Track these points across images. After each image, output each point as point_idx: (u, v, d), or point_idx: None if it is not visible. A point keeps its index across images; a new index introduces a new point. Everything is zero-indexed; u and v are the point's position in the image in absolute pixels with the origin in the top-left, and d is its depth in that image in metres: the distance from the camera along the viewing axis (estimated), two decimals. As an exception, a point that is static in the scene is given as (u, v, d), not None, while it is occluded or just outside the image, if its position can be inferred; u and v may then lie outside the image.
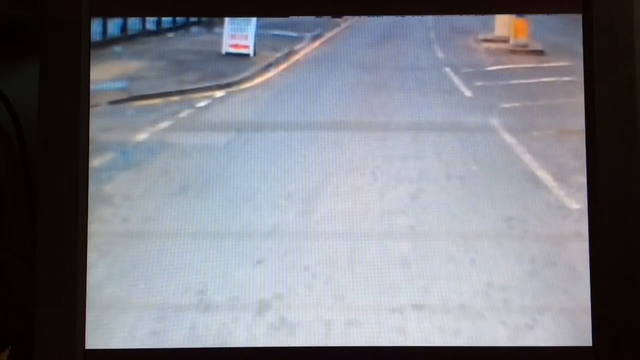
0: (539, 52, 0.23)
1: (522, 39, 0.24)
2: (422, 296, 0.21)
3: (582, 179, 0.22)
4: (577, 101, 0.22)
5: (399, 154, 0.19)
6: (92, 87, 0.22)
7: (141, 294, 0.19)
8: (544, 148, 0.20)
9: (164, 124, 0.18)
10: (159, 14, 0.35)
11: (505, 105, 0.19)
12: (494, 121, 0.20)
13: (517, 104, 0.20)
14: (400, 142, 0.19)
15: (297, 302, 0.21)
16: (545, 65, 0.22)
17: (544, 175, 0.19)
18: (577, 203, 0.19)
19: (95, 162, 0.20)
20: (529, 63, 0.22)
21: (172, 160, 0.19)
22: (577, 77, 0.23)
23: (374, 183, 0.19)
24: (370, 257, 0.20)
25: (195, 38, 0.23)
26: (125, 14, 0.35)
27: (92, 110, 0.21)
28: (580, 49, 0.25)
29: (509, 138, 0.19)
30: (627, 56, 0.33)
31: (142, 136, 0.19)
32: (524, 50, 0.22)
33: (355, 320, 0.20)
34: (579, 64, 0.24)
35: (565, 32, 0.23)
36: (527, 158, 0.19)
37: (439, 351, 0.33)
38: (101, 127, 0.20)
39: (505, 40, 0.22)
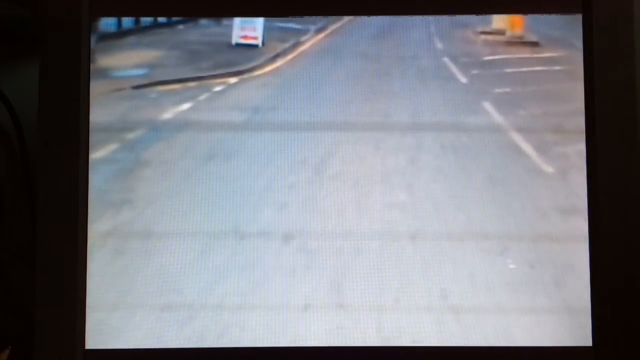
0: (534, 44, 0.24)
1: (518, 31, 0.25)
2: (418, 229, 0.24)
3: (560, 149, 0.24)
4: (565, 87, 0.24)
5: (399, 130, 0.21)
6: (115, 73, 0.24)
7: (187, 222, 0.23)
8: (524, 118, 0.22)
9: (186, 105, 0.21)
10: (159, 14, 0.35)
11: (494, 88, 0.22)
12: (486, 104, 0.22)
13: (507, 88, 0.22)
14: (400, 122, 0.21)
15: (315, 234, 0.23)
16: (538, 55, 0.24)
17: (522, 141, 0.22)
18: (552, 168, 0.22)
19: (130, 135, 0.22)
20: (524, 54, 0.23)
21: (198, 134, 0.21)
22: (568, 66, 0.25)
23: (376, 152, 0.21)
24: (372, 201, 0.23)
25: (205, 30, 0.25)
26: (125, 13, 0.35)
27: (118, 94, 0.23)
28: (574, 41, 0.26)
29: (498, 117, 0.21)
30: (627, 56, 0.33)
31: (167, 115, 0.21)
32: (519, 42, 0.24)
33: (361, 248, 0.24)
34: (570, 54, 0.25)
35: (559, 25, 0.25)
36: (510, 130, 0.22)
37: (439, 351, 0.33)
38: (129, 107, 0.22)
39: (502, 32, 0.24)
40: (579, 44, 0.27)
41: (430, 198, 0.23)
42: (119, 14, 0.35)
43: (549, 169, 0.22)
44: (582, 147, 0.25)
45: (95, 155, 0.22)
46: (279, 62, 0.21)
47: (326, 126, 0.21)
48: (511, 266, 0.33)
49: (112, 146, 0.21)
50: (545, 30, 0.24)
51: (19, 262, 0.40)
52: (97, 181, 0.22)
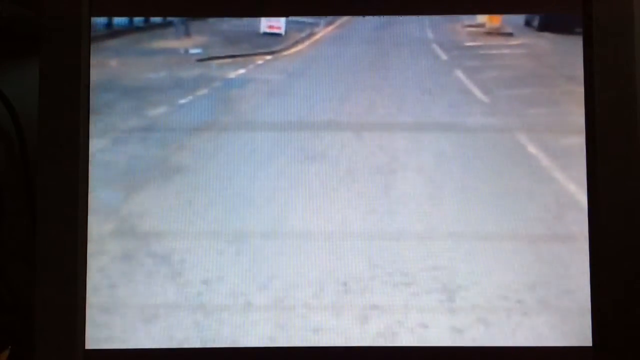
0: (509, 34, 0.30)
1: (496, 24, 0.31)
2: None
3: (504, 92, 0.29)
4: (521, 63, 0.29)
5: (393, 89, 0.29)
6: (179, 51, 0.29)
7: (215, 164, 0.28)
8: (483, 81, 0.28)
9: (242, 71, 0.28)
10: (159, 14, 0.35)
11: (467, 63, 0.29)
12: (459, 72, 0.29)
13: (477, 63, 0.29)
14: (392, 83, 0.29)
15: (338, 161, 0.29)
16: (508, 42, 0.30)
17: (476, 90, 0.28)
18: (487, 99, 0.28)
19: (202, 91, 0.28)
20: (498, 41, 0.29)
21: (256, 85, 0.28)
22: (530, 50, 0.30)
23: (375, 112, 0.28)
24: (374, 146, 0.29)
25: (234, 21, 0.30)
26: (125, 13, 0.35)
27: (190, 64, 0.29)
28: (544, 33, 0.31)
29: (462, 77, 0.28)
30: (627, 56, 0.33)
31: (231, 75, 0.28)
32: (496, 32, 0.30)
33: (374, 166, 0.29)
34: (536, 42, 0.31)
35: (532, 18, 0.30)
36: (470, 85, 0.28)
37: (439, 351, 0.33)
38: (202, 71, 0.28)
39: (482, 25, 0.30)
40: (549, 35, 0.31)
41: (400, 138, 0.29)
42: (118, 13, 0.35)
43: (485, 99, 0.28)
44: (519, 91, 0.30)
45: (198, 92, 0.28)
46: (300, 47, 0.28)
47: (339, 83, 0.29)
48: (511, 265, 0.33)
49: (201, 90, 0.28)
50: (519, 22, 0.30)
51: (19, 262, 0.40)
52: (204, 107, 0.28)
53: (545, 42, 0.30)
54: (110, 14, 0.35)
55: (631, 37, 0.33)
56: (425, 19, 0.31)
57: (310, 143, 0.28)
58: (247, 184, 0.27)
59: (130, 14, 0.35)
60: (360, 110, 0.27)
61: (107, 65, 0.29)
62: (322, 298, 0.31)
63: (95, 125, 0.27)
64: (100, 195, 0.27)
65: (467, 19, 0.31)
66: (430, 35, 0.29)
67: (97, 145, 0.27)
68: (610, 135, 0.33)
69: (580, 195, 0.29)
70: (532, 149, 0.27)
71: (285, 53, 0.28)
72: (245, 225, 0.27)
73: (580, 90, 0.29)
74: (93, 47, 0.29)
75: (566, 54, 0.30)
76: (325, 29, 0.29)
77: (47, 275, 0.33)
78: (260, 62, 0.28)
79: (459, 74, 0.28)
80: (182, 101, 0.27)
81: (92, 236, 0.30)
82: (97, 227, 0.28)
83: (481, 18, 0.31)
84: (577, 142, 0.28)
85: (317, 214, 0.28)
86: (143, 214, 0.27)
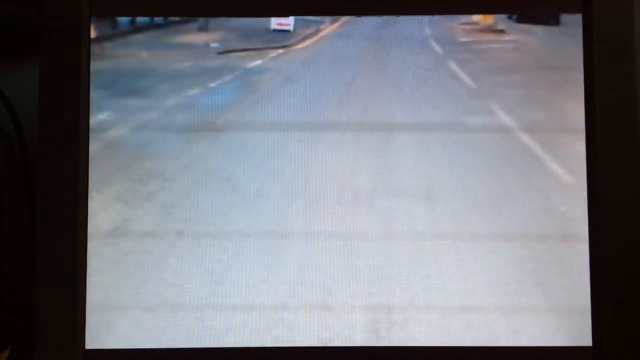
0: (501, 31, 0.32)
1: (489, 21, 0.33)
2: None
3: (489, 79, 0.32)
4: (510, 56, 0.32)
5: (393, 76, 0.32)
6: (198, 44, 0.33)
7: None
8: (472, 70, 0.32)
9: (257, 62, 0.31)
10: (159, 14, 0.35)
11: (460, 56, 0.32)
12: (451, 62, 0.31)
13: (468, 55, 0.32)
14: (394, 72, 0.32)
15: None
16: (500, 38, 0.32)
17: (465, 78, 0.31)
18: (473, 82, 0.31)
19: (227, 77, 0.32)
20: (489, 37, 0.32)
21: (273, 72, 0.31)
22: (519, 45, 0.33)
23: (375, 94, 0.31)
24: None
25: (242, 20, 0.33)
26: (125, 13, 0.35)
27: (207, 57, 0.32)
28: (535, 30, 0.33)
29: (454, 67, 0.31)
30: (627, 56, 0.33)
31: (249, 65, 0.31)
32: (489, 30, 0.32)
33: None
34: (527, 39, 0.33)
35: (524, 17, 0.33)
36: (461, 73, 0.31)
37: (439, 351, 0.33)
38: (223, 62, 0.32)
39: (477, 23, 0.33)
40: (539, 32, 0.33)
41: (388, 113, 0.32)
42: (118, 13, 0.35)
43: (472, 84, 0.31)
44: (502, 78, 0.32)
45: (224, 78, 0.31)
46: (307, 42, 0.31)
47: (345, 70, 0.32)
48: (510, 265, 0.33)
49: (226, 77, 0.31)
50: (511, 20, 0.33)
51: (19, 262, 0.40)
52: (231, 88, 0.31)
53: (534, 38, 0.32)
54: (110, 14, 0.35)
55: (631, 37, 0.33)
56: (425, 18, 0.33)
57: (323, 116, 0.31)
58: (278, 139, 0.31)
59: (131, 14, 0.35)
60: (364, 94, 0.30)
61: (138, 57, 0.32)
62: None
63: (145, 102, 0.31)
64: (172, 138, 0.31)
65: (463, 18, 0.33)
66: (427, 32, 0.32)
67: (150, 116, 0.31)
68: (610, 135, 0.33)
69: (549, 162, 0.32)
70: (503, 117, 0.31)
71: (295, 47, 0.31)
72: (297, 183, 0.32)
73: (555, 75, 0.32)
74: (122, 40, 0.32)
75: (550, 48, 0.32)
76: (331, 26, 0.32)
77: (47, 275, 0.33)
78: (273, 54, 0.31)
79: (452, 64, 0.31)
80: (212, 85, 0.30)
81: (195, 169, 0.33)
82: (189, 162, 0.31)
83: (476, 16, 0.34)
84: (544, 115, 0.31)
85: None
86: (205, 155, 0.31)
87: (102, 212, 0.32)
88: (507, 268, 0.33)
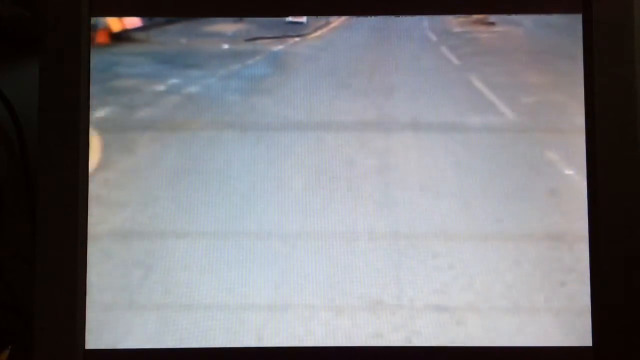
0: (492, 23, 0.35)
1: (481, 15, 0.36)
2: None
3: (472, 59, 0.35)
4: (497, 45, 0.35)
5: (393, 58, 0.35)
6: (227, 33, 0.36)
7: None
8: (460, 53, 0.35)
9: (280, 47, 0.35)
10: (159, 13, 0.35)
11: (451, 43, 0.35)
12: (443, 47, 0.35)
13: (457, 42, 0.35)
14: (394, 55, 0.35)
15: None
16: (490, 29, 0.35)
17: (453, 58, 0.35)
18: (458, 61, 0.35)
19: (259, 57, 0.35)
20: (480, 28, 0.35)
21: (293, 55, 0.35)
22: (505, 35, 0.35)
23: (379, 71, 0.35)
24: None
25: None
26: (125, 13, 0.35)
27: (237, 43, 0.35)
28: (524, 22, 0.35)
29: (445, 50, 0.35)
30: (627, 56, 0.33)
31: (274, 49, 0.35)
32: (481, 22, 0.35)
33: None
34: (516, 30, 0.35)
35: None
36: (449, 55, 0.35)
37: (439, 351, 0.33)
38: (250, 47, 0.35)
39: (470, 15, 0.36)
40: (528, 24, 0.35)
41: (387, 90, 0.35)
42: (118, 13, 0.35)
43: (456, 62, 0.35)
44: (483, 58, 0.35)
45: (256, 58, 0.35)
46: (319, 32, 0.35)
47: (354, 52, 0.35)
48: (510, 265, 0.33)
49: (258, 57, 0.35)
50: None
51: (19, 262, 0.40)
52: (264, 64, 0.35)
53: (521, 29, 0.35)
54: (111, 14, 0.35)
55: (631, 37, 0.33)
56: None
57: (338, 82, 0.35)
58: (305, 103, 0.35)
59: (131, 14, 0.35)
60: (370, 68, 0.34)
61: (178, 43, 0.35)
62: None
63: (198, 72, 0.34)
64: (228, 98, 0.35)
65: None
66: (425, 23, 0.35)
67: (207, 81, 0.35)
68: (610, 135, 0.33)
69: (502, 106, 0.35)
70: (478, 84, 0.34)
71: (309, 37, 0.35)
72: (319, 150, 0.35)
73: (526, 57, 0.35)
74: (159, 30, 0.35)
75: (532, 38, 0.35)
76: (339, 19, 0.35)
77: (47, 275, 0.33)
78: (291, 42, 0.35)
79: (444, 49, 0.35)
80: (249, 62, 0.34)
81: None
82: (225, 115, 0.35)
83: None
84: (511, 81, 0.35)
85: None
86: (258, 105, 0.35)
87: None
88: (506, 267, 0.33)
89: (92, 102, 0.34)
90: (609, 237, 0.33)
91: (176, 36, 0.35)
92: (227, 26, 0.36)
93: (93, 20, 0.35)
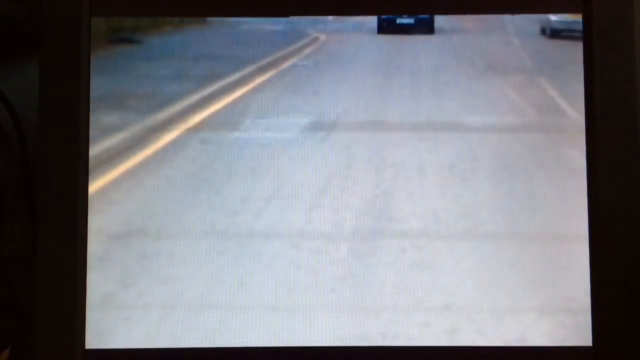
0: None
1: None
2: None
3: (460, 39, 0.36)
4: (478, 25, 0.36)
5: (396, 42, 0.36)
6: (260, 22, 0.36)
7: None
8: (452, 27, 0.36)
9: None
10: (159, 13, 0.35)
11: (446, 27, 0.36)
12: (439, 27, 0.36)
13: (456, 25, 0.36)
14: (396, 43, 0.36)
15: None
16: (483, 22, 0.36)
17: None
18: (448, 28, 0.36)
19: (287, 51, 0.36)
20: (474, 20, 0.36)
21: (319, 50, 0.36)
22: (499, 27, 0.36)
23: (383, 65, 0.36)
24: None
25: None
26: (125, 13, 0.35)
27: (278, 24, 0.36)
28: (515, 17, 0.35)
29: (446, 28, 0.36)
30: (627, 56, 0.33)
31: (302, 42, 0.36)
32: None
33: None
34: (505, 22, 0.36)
35: None
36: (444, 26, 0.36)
37: (438, 351, 0.33)
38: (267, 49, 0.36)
39: None
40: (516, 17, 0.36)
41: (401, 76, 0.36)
42: (118, 13, 0.35)
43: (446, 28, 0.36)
44: (469, 38, 0.36)
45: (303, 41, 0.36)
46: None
47: (376, 43, 0.36)
48: (510, 265, 0.33)
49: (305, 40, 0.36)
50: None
51: (19, 262, 0.40)
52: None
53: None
54: (110, 14, 0.35)
55: (631, 37, 0.33)
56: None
57: (355, 79, 0.35)
58: (335, 85, 0.36)
59: (131, 14, 0.35)
60: (388, 48, 0.35)
61: (221, 34, 0.36)
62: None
63: (244, 56, 0.35)
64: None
65: None
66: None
67: (267, 60, 0.36)
68: (610, 135, 0.33)
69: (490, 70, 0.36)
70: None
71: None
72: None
73: (504, 37, 0.36)
74: (198, 26, 0.36)
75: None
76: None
77: (47, 275, 0.33)
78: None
79: (443, 23, 0.36)
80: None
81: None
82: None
83: None
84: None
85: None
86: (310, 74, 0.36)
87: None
88: (506, 267, 0.33)
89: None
90: (609, 237, 0.33)
91: (217, 29, 0.36)
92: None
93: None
